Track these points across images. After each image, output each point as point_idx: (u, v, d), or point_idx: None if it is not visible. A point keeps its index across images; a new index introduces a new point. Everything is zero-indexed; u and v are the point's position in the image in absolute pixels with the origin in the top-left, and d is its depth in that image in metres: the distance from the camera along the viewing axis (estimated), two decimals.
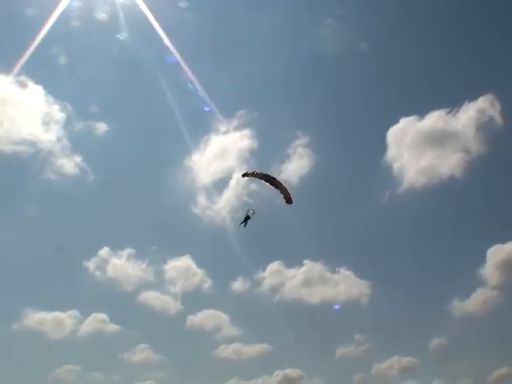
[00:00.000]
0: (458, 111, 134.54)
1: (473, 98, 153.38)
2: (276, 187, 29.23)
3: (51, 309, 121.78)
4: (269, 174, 29.53)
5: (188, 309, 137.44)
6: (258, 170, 29.76)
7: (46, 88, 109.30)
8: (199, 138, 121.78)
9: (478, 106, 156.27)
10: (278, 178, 29.39)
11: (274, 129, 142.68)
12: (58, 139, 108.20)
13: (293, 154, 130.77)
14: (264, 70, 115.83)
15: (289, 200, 29.49)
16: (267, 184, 29.25)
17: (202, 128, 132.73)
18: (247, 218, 29.95)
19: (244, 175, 30.36)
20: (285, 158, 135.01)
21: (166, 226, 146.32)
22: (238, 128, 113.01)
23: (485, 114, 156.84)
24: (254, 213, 29.87)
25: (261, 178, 29.33)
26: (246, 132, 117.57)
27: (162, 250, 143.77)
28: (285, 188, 29.15)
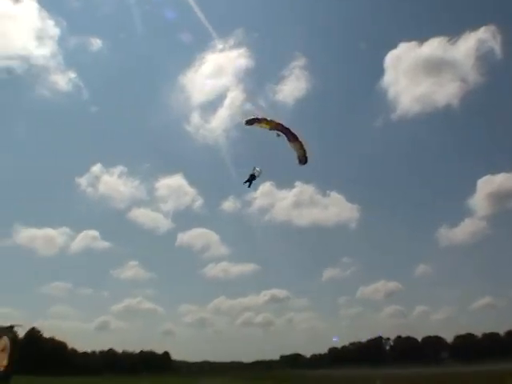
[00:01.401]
0: (458, 40, 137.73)
1: (475, 27, 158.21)
2: (290, 141, 25.06)
3: (42, 225, 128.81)
4: (282, 123, 24.81)
5: (178, 227, 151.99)
6: (264, 115, 25.11)
7: (40, 3, 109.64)
8: (195, 56, 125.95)
9: (479, 36, 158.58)
10: (294, 131, 25.01)
11: (271, 49, 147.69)
12: (52, 55, 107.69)
13: (289, 75, 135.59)
14: None
15: (303, 160, 25.72)
16: (280, 134, 25.01)
17: (197, 45, 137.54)
18: (253, 177, 27.30)
19: (248, 122, 25.49)
20: (281, 79, 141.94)
21: (158, 144, 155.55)
22: (234, 46, 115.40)
23: (485, 45, 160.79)
24: (260, 171, 27.27)
25: (272, 128, 24.88)
26: (243, 51, 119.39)
27: (155, 168, 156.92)
28: (301, 145, 25.28)
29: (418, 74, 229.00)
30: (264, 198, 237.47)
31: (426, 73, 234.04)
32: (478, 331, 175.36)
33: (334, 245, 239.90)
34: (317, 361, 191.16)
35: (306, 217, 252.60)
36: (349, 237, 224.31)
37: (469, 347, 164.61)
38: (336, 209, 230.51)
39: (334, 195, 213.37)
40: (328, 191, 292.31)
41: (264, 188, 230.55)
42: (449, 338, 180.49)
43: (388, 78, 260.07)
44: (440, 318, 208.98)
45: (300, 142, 25.02)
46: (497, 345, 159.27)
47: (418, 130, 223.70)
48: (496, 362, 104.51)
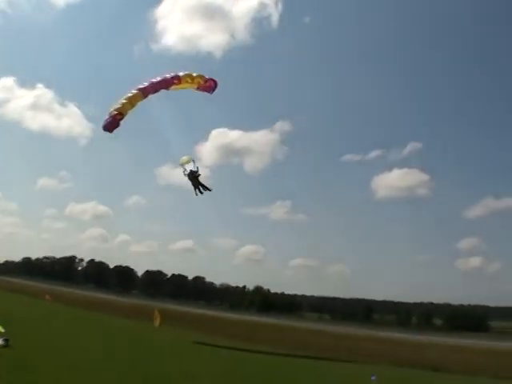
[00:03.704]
0: None
1: None
2: (173, 84, 21.30)
3: None
4: (152, 80, 21.16)
5: None
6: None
7: None
8: None
9: None
10: (171, 75, 21.52)
11: None
12: None
13: None
14: None
15: (211, 85, 22.31)
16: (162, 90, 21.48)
17: None
18: (193, 180, 22.22)
19: (110, 128, 20.75)
20: None
21: None
22: None
23: (266, 10, 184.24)
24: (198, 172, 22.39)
25: (140, 100, 20.92)
26: None
27: None
28: (191, 76, 21.67)
29: (193, 15, 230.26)
30: (2, 91, 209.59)
31: (201, 16, 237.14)
32: (170, 271, 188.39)
33: (58, 156, 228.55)
34: (8, 268, 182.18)
35: (38, 121, 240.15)
36: (75, 152, 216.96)
37: (157, 284, 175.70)
38: (70, 121, 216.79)
39: (73, 108, 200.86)
40: (67, 102, 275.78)
41: (5, 82, 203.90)
42: (140, 271, 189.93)
43: (162, 9, 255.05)
44: (139, 251, 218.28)
45: (188, 76, 21.50)
46: (183, 286, 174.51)
47: (171, 67, 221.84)
48: (175, 302, 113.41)
